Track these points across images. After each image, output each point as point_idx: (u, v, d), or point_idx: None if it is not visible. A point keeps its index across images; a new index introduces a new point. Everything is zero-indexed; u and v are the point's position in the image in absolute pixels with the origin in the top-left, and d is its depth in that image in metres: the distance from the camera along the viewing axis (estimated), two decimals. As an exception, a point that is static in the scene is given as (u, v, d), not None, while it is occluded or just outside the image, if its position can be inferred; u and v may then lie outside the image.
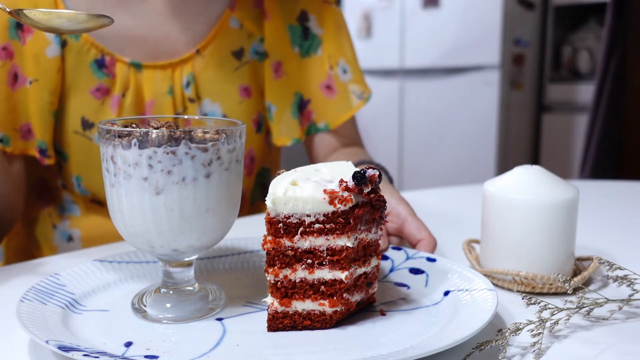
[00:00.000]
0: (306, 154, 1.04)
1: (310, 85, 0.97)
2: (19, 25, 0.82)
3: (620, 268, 0.57)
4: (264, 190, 0.48)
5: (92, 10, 0.84)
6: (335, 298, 0.52)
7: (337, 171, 0.54)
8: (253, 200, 1.01)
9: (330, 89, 0.98)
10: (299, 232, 0.51)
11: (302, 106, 0.98)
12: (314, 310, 0.52)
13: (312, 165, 0.56)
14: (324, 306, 0.52)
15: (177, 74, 0.88)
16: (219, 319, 0.54)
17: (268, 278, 0.52)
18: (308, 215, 0.50)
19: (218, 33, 0.90)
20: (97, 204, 0.91)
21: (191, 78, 0.89)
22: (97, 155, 0.85)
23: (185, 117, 0.61)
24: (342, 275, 0.51)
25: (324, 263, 0.51)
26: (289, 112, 0.96)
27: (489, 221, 0.64)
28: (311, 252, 0.51)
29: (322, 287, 0.52)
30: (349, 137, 1.02)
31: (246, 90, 0.93)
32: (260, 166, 1.00)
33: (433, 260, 0.63)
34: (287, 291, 0.52)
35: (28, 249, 0.96)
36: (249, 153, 0.96)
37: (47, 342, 0.44)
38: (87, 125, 0.85)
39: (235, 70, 0.92)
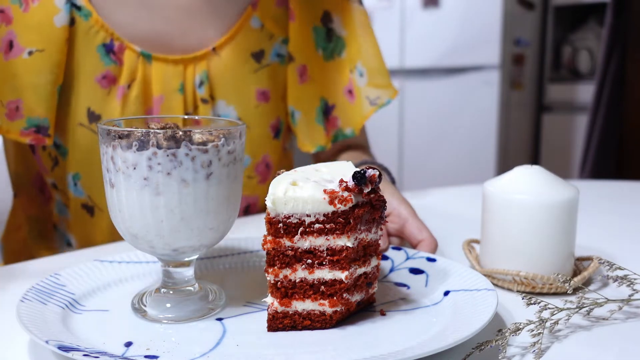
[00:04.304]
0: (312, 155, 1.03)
1: (335, 90, 0.94)
2: None
3: (620, 268, 0.57)
4: None
5: None
6: (335, 298, 0.52)
7: (337, 171, 0.54)
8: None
9: (351, 93, 0.94)
10: (299, 232, 0.51)
11: (327, 112, 0.94)
12: (314, 310, 0.52)
13: (312, 165, 0.56)
14: (324, 306, 0.52)
15: (190, 71, 0.83)
16: (219, 319, 0.54)
17: (268, 278, 0.52)
18: (308, 215, 0.50)
19: (238, 32, 0.86)
20: (87, 211, 0.85)
21: (205, 77, 0.84)
22: None
23: (186, 117, 0.61)
24: (342, 275, 0.51)
25: (324, 263, 0.51)
26: (313, 117, 0.92)
27: (489, 221, 0.64)
28: (311, 252, 0.51)
29: (322, 287, 0.52)
30: (355, 140, 1.00)
31: (264, 94, 0.89)
32: (276, 172, 0.98)
33: (433, 260, 0.63)
34: (287, 291, 0.52)
35: (27, 249, 0.94)
36: (264, 159, 0.92)
37: (47, 342, 0.44)
38: (93, 117, 0.80)
39: (254, 73, 0.88)
